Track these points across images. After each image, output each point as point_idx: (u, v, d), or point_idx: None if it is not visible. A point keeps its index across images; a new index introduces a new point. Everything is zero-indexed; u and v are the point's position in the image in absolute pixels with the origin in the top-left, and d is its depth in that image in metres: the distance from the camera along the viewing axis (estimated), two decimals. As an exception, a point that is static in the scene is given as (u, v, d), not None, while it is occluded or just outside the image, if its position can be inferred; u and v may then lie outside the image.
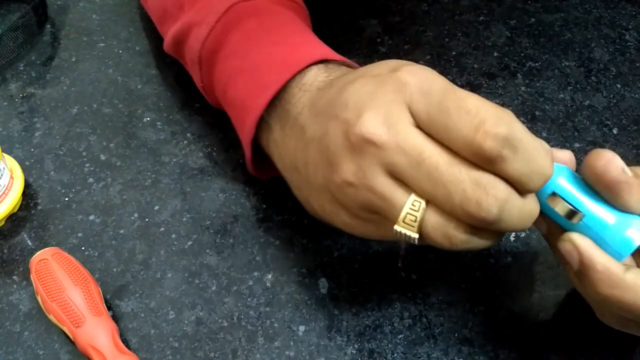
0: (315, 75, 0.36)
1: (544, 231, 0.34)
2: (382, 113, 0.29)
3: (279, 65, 0.37)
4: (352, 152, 0.30)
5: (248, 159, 0.40)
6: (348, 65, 0.38)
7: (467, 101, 0.28)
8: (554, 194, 0.31)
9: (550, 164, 0.29)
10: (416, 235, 0.30)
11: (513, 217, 0.29)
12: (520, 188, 0.29)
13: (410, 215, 0.29)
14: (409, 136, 0.29)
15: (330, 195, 0.33)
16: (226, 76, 0.40)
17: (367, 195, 0.30)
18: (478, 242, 0.30)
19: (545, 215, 0.32)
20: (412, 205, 0.29)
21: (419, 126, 0.29)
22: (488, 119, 0.27)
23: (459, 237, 0.29)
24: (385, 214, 0.31)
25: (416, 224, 0.30)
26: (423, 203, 0.29)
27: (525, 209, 0.29)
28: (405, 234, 0.30)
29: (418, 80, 0.30)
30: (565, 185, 0.31)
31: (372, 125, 0.29)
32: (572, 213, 0.30)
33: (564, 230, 0.32)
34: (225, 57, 0.40)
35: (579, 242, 0.30)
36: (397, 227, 0.30)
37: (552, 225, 0.32)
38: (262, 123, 0.38)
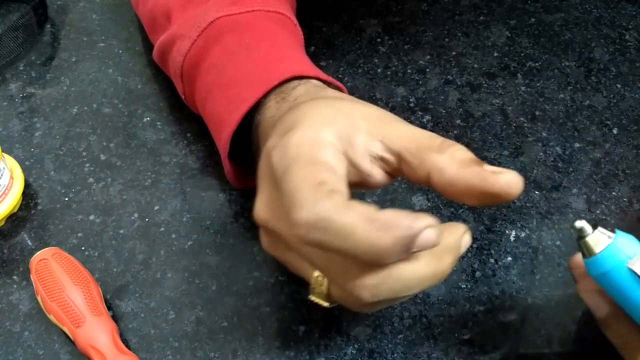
0: (265, 114, 0.36)
1: (602, 315, 0.33)
2: (266, 197, 0.31)
3: (253, 81, 0.38)
4: (261, 228, 0.32)
5: (227, 172, 0.40)
6: (324, 81, 0.38)
7: (286, 184, 0.28)
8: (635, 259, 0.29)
9: (373, 230, 0.26)
10: (327, 304, 0.31)
11: (398, 291, 0.28)
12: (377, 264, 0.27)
13: (317, 288, 0.31)
14: (279, 221, 0.29)
15: None
16: (205, 90, 0.41)
17: (285, 264, 0.33)
18: (389, 304, 0.31)
19: (610, 291, 0.31)
20: (315, 280, 0.30)
21: None
22: (293, 206, 0.27)
23: (365, 308, 0.30)
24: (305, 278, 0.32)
25: (324, 296, 0.31)
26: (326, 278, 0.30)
27: (413, 278, 0.28)
28: (318, 303, 0.31)
29: (276, 160, 0.29)
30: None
31: (259, 209, 0.31)
32: None
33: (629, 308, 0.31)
34: (205, 71, 0.41)
35: None
36: (310, 297, 0.31)
37: (613, 306, 0.32)
38: (253, 142, 0.39)
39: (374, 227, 0.25)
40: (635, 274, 0.29)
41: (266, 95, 0.37)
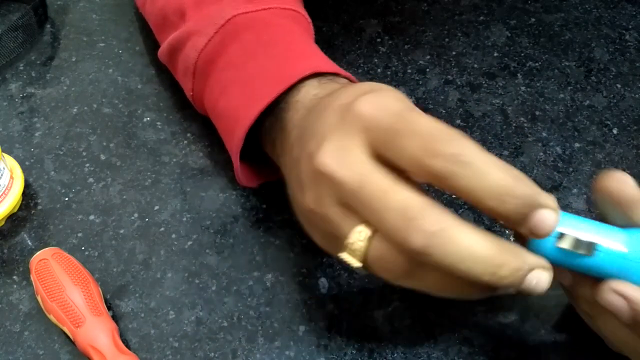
0: (306, 93, 0.36)
1: (568, 281, 0.33)
2: (337, 146, 0.30)
3: (272, 78, 0.38)
4: (313, 182, 0.31)
5: (236, 169, 0.40)
6: (345, 77, 0.38)
7: (416, 123, 0.28)
8: (561, 235, 0.30)
9: (509, 178, 0.27)
10: (358, 264, 0.30)
11: (449, 253, 0.27)
12: (480, 208, 0.27)
13: (356, 244, 0.30)
14: (355, 166, 0.29)
15: (303, 217, 0.34)
16: (220, 87, 0.41)
17: (324, 223, 0.31)
18: (422, 283, 0.29)
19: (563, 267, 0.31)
20: (358, 234, 0.30)
21: (376, 155, 0.29)
22: (437, 139, 0.27)
23: (397, 272, 0.29)
24: (339, 241, 0.31)
25: (360, 253, 0.30)
26: (368, 232, 0.29)
27: (467, 247, 0.27)
28: (348, 262, 0.31)
29: (372, 109, 0.30)
30: (569, 222, 0.30)
31: (326, 157, 0.30)
32: (586, 245, 0.29)
33: (584, 276, 0.32)
34: (222, 68, 0.41)
35: (626, 290, 0.30)
36: (341, 255, 0.31)
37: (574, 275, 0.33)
38: (266, 135, 0.39)
39: (510, 173, 0.27)
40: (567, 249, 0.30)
41: (302, 81, 0.37)
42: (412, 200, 0.28)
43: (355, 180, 0.29)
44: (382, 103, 0.30)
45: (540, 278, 0.28)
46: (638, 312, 0.29)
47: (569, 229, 0.30)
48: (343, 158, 0.30)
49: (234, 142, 0.39)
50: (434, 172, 0.27)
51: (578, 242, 0.29)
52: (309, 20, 0.44)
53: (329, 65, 0.39)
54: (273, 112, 0.38)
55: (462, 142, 0.27)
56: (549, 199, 0.27)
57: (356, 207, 0.29)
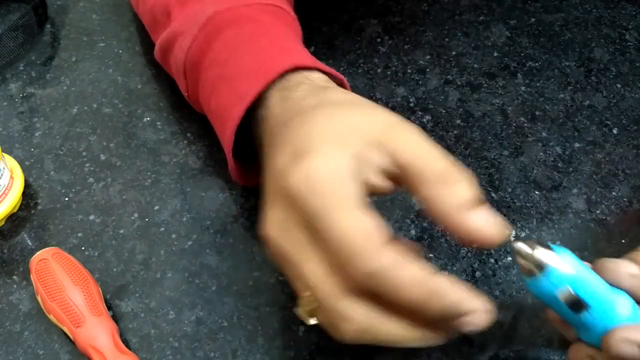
0: (273, 109, 0.36)
1: (573, 337, 0.33)
2: (279, 217, 0.30)
3: (253, 75, 0.37)
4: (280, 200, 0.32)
5: (231, 167, 0.40)
6: (325, 72, 0.38)
7: (332, 230, 0.28)
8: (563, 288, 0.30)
9: (422, 294, 0.27)
10: (310, 322, 0.31)
11: (373, 342, 0.29)
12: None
13: (306, 303, 0.31)
14: (290, 242, 0.30)
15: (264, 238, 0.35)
16: (209, 86, 0.41)
17: (284, 273, 0.32)
18: (371, 340, 0.30)
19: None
20: (308, 298, 0.30)
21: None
22: (353, 255, 0.27)
23: (346, 335, 0.30)
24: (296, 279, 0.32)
25: (308, 312, 0.31)
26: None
27: (387, 333, 0.29)
28: (302, 317, 0.32)
29: (297, 188, 0.29)
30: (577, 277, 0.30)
31: (271, 228, 0.30)
32: (578, 305, 0.30)
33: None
34: (208, 67, 0.41)
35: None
36: (295, 309, 0.32)
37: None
38: (254, 131, 0.39)
39: (425, 290, 0.27)
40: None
41: (270, 87, 0.37)
42: (342, 288, 0.28)
43: (294, 259, 0.29)
44: (306, 186, 0.29)
45: (472, 320, 0.29)
46: None
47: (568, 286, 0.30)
48: (283, 232, 0.30)
49: (225, 140, 0.39)
50: (361, 287, 0.28)
51: (576, 304, 0.30)
52: (294, 16, 0.44)
53: (310, 60, 0.38)
54: (259, 107, 0.38)
55: (378, 260, 0.27)
56: (474, 302, 0.28)
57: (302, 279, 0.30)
